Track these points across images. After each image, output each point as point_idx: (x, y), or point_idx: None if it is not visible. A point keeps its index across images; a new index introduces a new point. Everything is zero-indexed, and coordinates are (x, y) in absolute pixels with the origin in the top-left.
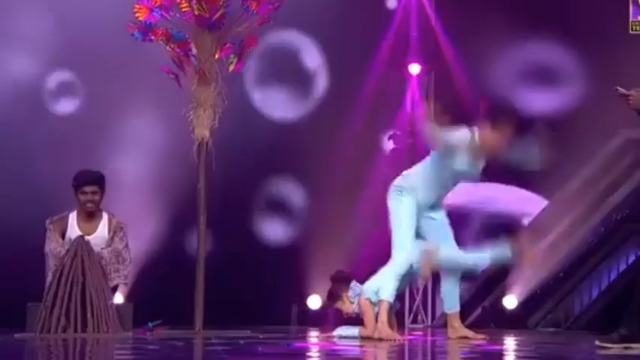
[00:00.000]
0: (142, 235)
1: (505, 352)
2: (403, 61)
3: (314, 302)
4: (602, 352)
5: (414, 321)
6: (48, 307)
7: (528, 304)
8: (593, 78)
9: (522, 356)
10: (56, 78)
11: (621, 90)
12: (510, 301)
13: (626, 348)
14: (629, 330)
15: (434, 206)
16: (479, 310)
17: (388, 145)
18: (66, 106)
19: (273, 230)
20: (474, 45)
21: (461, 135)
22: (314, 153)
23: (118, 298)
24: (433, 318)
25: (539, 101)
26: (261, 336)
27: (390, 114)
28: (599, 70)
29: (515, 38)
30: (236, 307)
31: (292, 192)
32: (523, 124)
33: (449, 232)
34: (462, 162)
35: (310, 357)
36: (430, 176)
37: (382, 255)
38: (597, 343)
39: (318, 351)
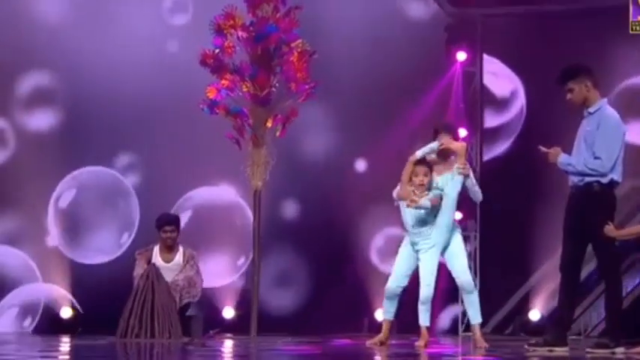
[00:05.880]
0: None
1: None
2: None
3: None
4: (530, 354)
5: (467, 329)
6: (126, 318)
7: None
8: None
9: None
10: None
11: (542, 148)
12: (534, 314)
13: (550, 350)
14: (552, 336)
15: None
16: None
17: None
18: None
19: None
20: None
21: None
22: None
23: (230, 313)
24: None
25: None
26: (279, 341)
27: None
28: None
29: None
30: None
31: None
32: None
33: None
34: None
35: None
36: None
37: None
38: (526, 346)
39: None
